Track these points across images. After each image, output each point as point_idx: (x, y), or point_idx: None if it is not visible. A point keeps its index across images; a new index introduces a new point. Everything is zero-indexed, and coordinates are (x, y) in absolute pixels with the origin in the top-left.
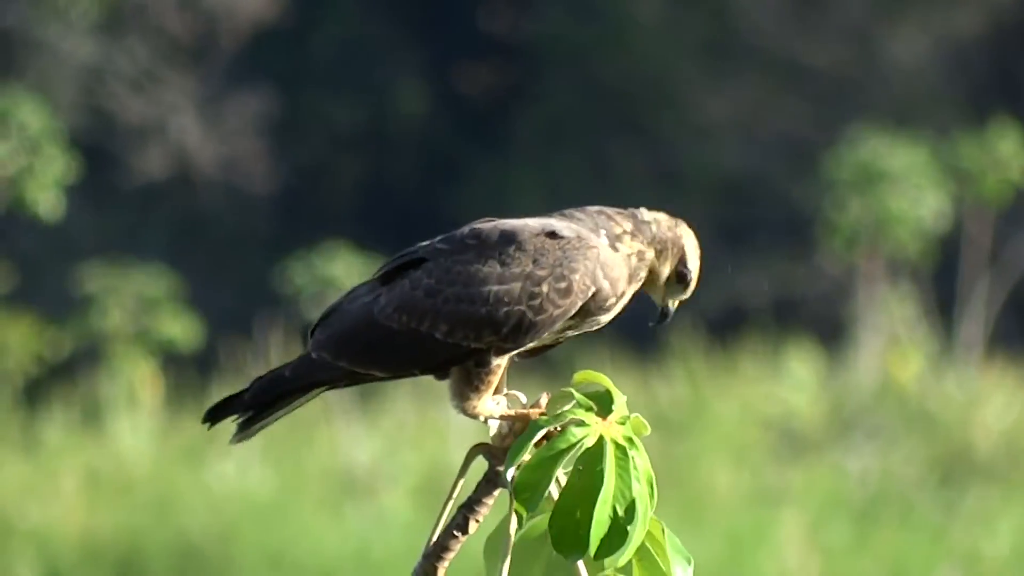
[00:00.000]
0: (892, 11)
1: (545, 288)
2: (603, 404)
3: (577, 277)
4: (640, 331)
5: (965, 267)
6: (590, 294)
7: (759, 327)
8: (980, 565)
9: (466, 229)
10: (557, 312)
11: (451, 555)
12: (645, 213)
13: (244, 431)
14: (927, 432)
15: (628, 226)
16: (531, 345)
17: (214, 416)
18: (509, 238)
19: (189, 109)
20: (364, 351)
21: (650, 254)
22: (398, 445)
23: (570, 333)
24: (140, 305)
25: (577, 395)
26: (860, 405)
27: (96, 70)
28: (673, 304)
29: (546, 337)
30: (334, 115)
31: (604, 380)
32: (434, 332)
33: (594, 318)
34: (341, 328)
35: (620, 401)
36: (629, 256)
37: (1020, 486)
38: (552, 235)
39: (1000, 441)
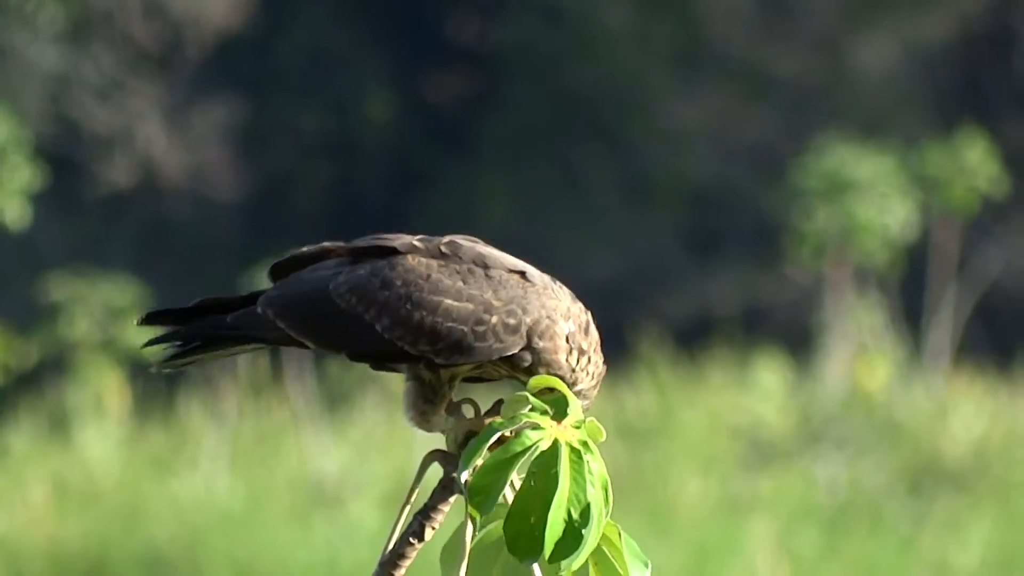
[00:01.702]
0: (860, 20)
1: (494, 319)
2: (558, 408)
3: (528, 320)
4: (606, 341)
5: (933, 276)
6: (535, 342)
7: (727, 336)
8: (949, 574)
9: (446, 238)
10: (497, 346)
11: (407, 562)
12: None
13: (171, 361)
14: (895, 441)
15: (588, 349)
16: (466, 369)
17: (148, 321)
18: (481, 261)
19: (155, 117)
20: (306, 320)
21: (588, 388)
22: (366, 455)
23: (503, 372)
24: (107, 314)
25: (532, 399)
26: (828, 414)
27: (62, 78)
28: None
29: (478, 368)
30: (301, 123)
31: (559, 384)
32: (376, 323)
33: (515, 371)
34: (293, 292)
35: (575, 405)
36: (583, 371)
37: (989, 495)
38: (522, 274)
39: (968, 450)
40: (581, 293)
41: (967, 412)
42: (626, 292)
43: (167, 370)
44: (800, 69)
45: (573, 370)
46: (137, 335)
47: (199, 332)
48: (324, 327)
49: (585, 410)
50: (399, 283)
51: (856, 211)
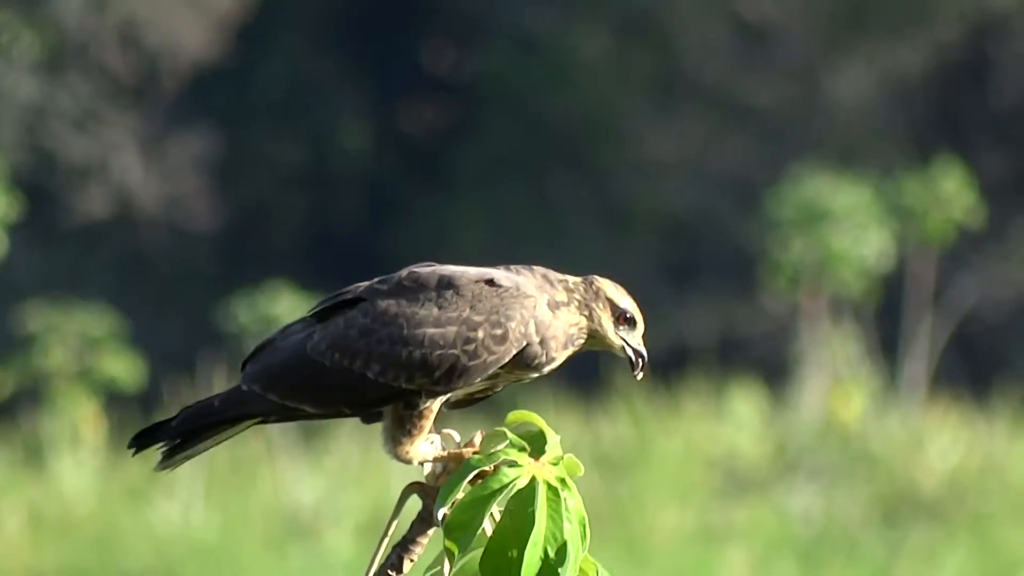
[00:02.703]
0: (836, 50)
1: (481, 334)
2: (536, 444)
3: (513, 325)
4: (582, 371)
5: (908, 306)
6: (524, 343)
7: (702, 366)
8: None
9: (404, 272)
10: (491, 359)
11: None
12: (570, 281)
13: (170, 459)
14: (871, 471)
15: (565, 297)
16: (462, 392)
17: (140, 442)
18: (447, 283)
19: (131, 148)
20: (295, 386)
21: (584, 323)
22: (341, 485)
23: (500, 384)
24: (83, 344)
25: (510, 435)
26: (804, 444)
27: (38, 109)
28: (637, 344)
29: (476, 384)
30: (277, 153)
31: (537, 420)
32: (366, 371)
33: (525, 372)
34: (273, 362)
35: (553, 441)
36: (569, 325)
37: (963, 525)
38: (490, 282)
39: (943, 480)
40: None
41: (943, 442)
42: None
43: (167, 469)
44: (776, 99)
45: (571, 324)
46: (114, 365)
47: (191, 423)
48: (317, 389)
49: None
50: (376, 327)
51: (832, 241)
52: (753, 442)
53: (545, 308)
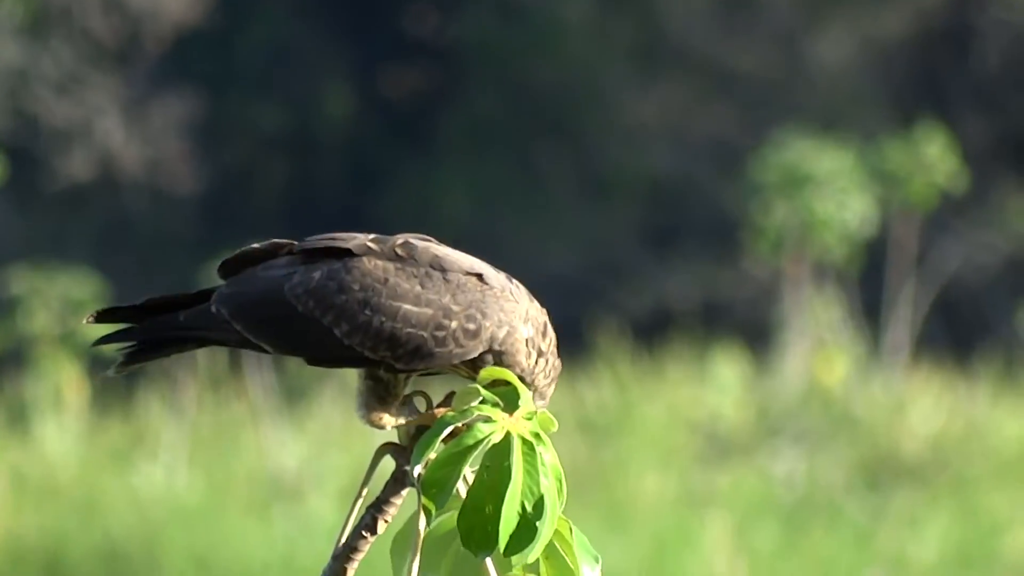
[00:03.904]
0: (818, 15)
1: (454, 324)
2: (509, 400)
3: (488, 324)
4: (565, 335)
5: (891, 271)
6: (495, 346)
7: (685, 331)
8: (907, 569)
9: (400, 238)
10: (458, 351)
11: (360, 556)
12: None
13: (128, 364)
14: (853, 435)
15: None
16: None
17: (99, 319)
18: (437, 264)
19: (114, 111)
20: (263, 321)
21: (540, 378)
22: (324, 448)
23: (463, 374)
24: (66, 307)
25: (483, 391)
26: (786, 409)
27: (20, 72)
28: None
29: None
30: (260, 118)
31: (510, 376)
32: (334, 328)
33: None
34: (247, 290)
35: (526, 396)
36: (541, 372)
37: (947, 490)
38: (479, 277)
39: (926, 445)
40: (539, 288)
41: (925, 407)
42: (585, 287)
43: (123, 373)
44: (758, 64)
45: (532, 371)
46: (92, 330)
47: (153, 332)
48: (281, 330)
49: (541, 408)
50: (356, 287)
51: (815, 206)
52: (736, 407)
53: (523, 326)
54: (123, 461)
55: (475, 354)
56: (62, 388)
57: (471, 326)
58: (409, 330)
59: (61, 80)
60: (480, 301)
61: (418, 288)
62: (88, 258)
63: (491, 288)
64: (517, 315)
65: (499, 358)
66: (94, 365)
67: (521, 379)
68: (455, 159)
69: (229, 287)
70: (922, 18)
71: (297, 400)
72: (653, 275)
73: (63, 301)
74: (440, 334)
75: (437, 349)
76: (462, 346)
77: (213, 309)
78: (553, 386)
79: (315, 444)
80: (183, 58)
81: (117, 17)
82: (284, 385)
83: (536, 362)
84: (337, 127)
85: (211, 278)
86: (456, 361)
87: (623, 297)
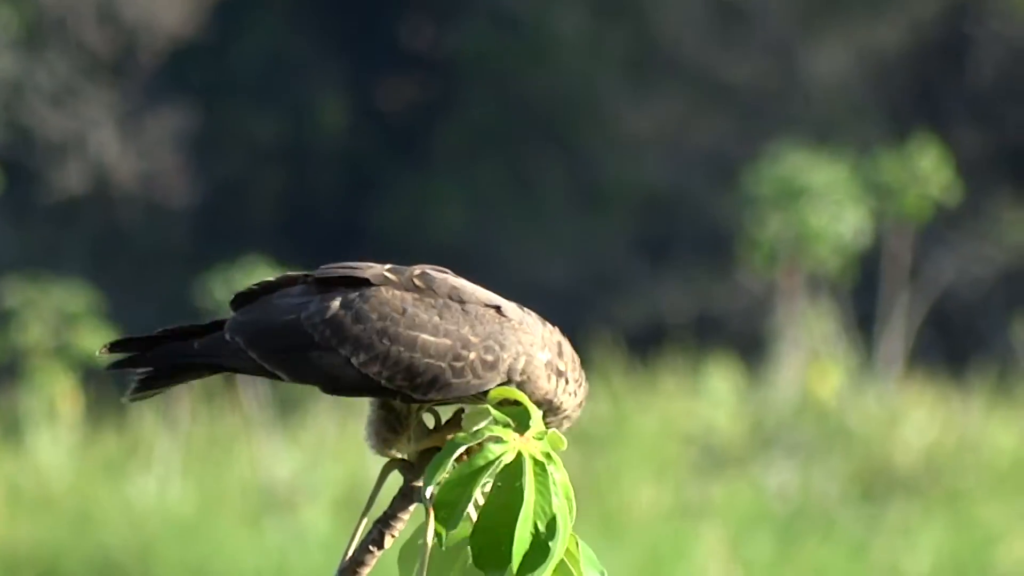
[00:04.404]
0: (814, 26)
1: (472, 355)
2: (520, 420)
3: (506, 356)
4: None
5: (885, 283)
6: (515, 377)
7: (679, 343)
8: None
9: (417, 269)
10: (475, 382)
11: (367, 570)
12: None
13: (142, 392)
14: (847, 448)
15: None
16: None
17: (113, 349)
18: (455, 295)
19: (109, 124)
20: (278, 350)
21: (569, 406)
22: (318, 460)
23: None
24: (60, 320)
25: (493, 411)
26: (780, 421)
27: (15, 85)
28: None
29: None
30: (254, 129)
31: (520, 396)
32: (351, 358)
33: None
34: (263, 318)
35: (536, 416)
36: (565, 392)
37: (940, 501)
38: (497, 309)
39: (920, 457)
40: (534, 299)
41: (919, 419)
42: (579, 298)
43: (137, 399)
44: (753, 76)
45: (555, 393)
46: (91, 341)
47: (166, 360)
48: (297, 359)
49: (573, 426)
50: (375, 317)
51: (809, 218)
52: (729, 418)
53: (541, 353)
54: (117, 473)
55: (492, 386)
56: (56, 400)
57: (489, 357)
58: (427, 360)
59: (56, 92)
60: (499, 333)
61: (436, 318)
62: (83, 271)
63: (509, 320)
64: (535, 345)
65: (521, 387)
66: (88, 377)
67: (548, 403)
68: (450, 170)
69: (244, 315)
70: (917, 30)
71: (290, 412)
72: (647, 287)
73: (57, 314)
74: (458, 365)
75: (455, 380)
76: (480, 377)
77: (227, 337)
78: (583, 404)
79: (308, 456)
80: (178, 70)
81: (112, 29)
82: (277, 397)
83: (558, 383)
84: (332, 139)
85: (205, 290)
86: (472, 393)
87: (617, 309)
